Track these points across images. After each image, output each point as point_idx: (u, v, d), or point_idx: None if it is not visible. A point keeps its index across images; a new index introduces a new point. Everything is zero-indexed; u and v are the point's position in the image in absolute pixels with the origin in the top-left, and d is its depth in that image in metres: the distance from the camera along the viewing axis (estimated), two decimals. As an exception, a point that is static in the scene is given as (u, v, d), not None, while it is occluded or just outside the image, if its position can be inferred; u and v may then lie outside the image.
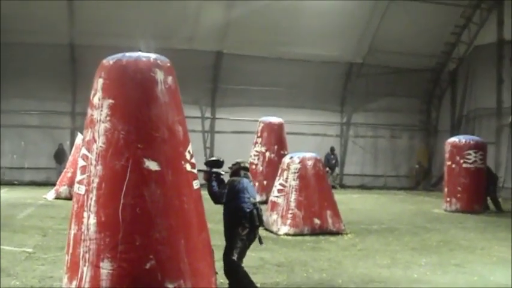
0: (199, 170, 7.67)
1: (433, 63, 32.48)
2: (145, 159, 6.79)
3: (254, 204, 8.73)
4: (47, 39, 26.76)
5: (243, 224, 8.56)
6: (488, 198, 21.71)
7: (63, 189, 21.70)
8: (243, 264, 8.66)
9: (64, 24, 27.08)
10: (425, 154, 33.43)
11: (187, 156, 7.27)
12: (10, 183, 26.94)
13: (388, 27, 29.44)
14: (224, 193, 8.73)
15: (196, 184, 7.38)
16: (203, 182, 8.45)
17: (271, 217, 15.37)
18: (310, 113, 31.20)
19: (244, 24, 28.01)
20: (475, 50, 30.71)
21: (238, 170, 9.16)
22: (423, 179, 32.77)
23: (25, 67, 27.18)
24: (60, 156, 28.34)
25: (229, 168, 9.26)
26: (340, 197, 19.02)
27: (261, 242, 8.89)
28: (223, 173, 8.92)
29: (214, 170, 8.85)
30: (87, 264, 6.75)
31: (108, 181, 6.80)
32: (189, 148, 7.36)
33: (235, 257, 8.49)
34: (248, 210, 8.61)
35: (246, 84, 29.98)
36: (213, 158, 9.12)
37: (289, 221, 14.85)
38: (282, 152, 21.70)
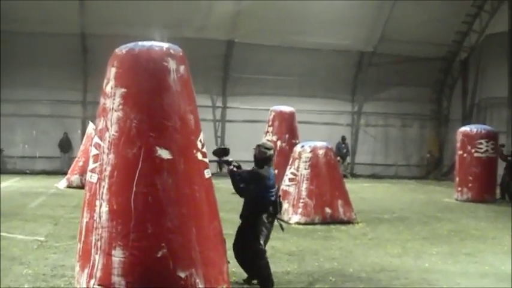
0: (210, 161, 7.64)
1: (444, 52, 32.41)
2: (157, 148, 6.80)
3: (276, 192, 8.72)
4: (58, 28, 26.92)
5: (268, 212, 8.52)
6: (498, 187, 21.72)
7: (74, 178, 21.77)
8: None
9: (75, 14, 27.16)
10: (436, 143, 33.37)
11: (199, 145, 7.27)
12: (22, 173, 27.12)
13: (400, 16, 29.32)
14: (244, 188, 8.58)
15: (207, 173, 7.38)
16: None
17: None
18: (321, 102, 31.14)
19: (255, 13, 27.92)
20: (487, 39, 30.56)
21: (269, 158, 8.78)
22: (434, 168, 32.74)
23: (36, 56, 27.29)
24: (64, 145, 28.43)
25: (258, 151, 8.76)
26: (351, 186, 18.99)
27: (282, 229, 8.96)
28: (231, 159, 8.74)
29: (224, 159, 8.70)
30: (99, 252, 6.78)
31: (120, 169, 6.82)
32: (201, 137, 7.36)
33: (261, 244, 8.46)
34: (273, 198, 8.57)
35: (257, 73, 29.99)
36: (218, 148, 8.90)
37: (300, 210, 14.86)
38: (293, 141, 21.57)
